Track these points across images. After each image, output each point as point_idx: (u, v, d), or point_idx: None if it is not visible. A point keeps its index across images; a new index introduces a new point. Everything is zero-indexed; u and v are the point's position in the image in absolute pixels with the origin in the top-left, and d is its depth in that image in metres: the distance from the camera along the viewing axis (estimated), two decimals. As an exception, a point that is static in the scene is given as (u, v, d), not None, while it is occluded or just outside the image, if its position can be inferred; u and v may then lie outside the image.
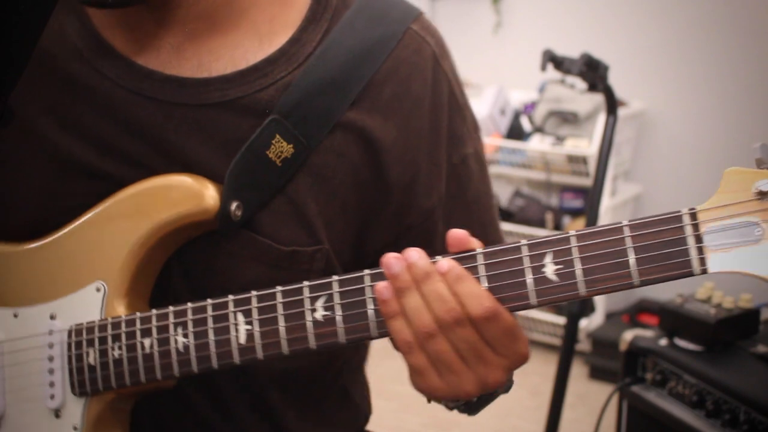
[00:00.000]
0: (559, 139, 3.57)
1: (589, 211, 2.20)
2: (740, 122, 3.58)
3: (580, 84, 2.32)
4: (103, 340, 0.88)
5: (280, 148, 0.88)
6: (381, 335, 0.79)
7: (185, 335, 0.85)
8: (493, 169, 3.85)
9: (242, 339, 0.83)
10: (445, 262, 0.75)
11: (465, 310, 0.74)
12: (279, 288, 0.82)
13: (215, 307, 0.84)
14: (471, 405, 0.88)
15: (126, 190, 0.89)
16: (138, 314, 0.87)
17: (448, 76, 0.96)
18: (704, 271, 0.71)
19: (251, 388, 0.97)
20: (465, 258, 0.77)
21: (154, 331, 0.86)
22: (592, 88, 2.14)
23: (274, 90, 0.90)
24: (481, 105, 3.64)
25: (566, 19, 3.93)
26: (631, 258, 0.72)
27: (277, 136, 0.88)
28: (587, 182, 3.52)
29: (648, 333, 1.90)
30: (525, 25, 4.07)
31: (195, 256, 0.91)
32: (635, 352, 1.87)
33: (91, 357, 0.88)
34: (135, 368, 0.86)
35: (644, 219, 0.72)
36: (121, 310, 0.89)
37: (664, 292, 2.69)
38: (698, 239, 0.70)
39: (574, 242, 0.74)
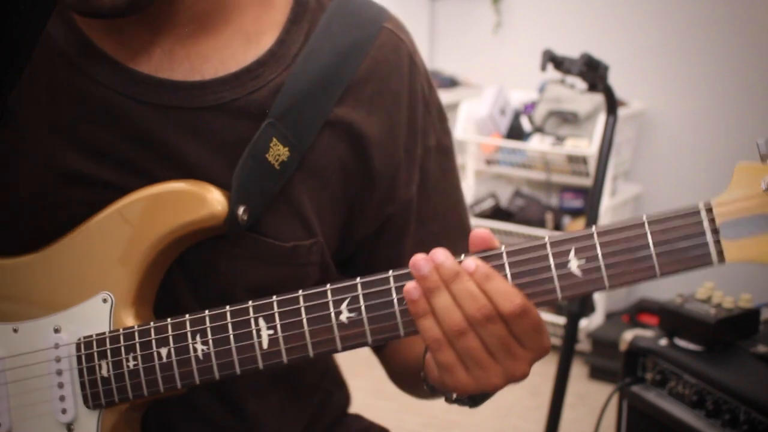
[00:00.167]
0: (559, 139, 3.56)
1: (589, 211, 2.20)
2: (740, 122, 3.58)
3: (580, 84, 2.32)
4: (116, 352, 0.87)
5: (278, 152, 0.90)
6: (408, 334, 0.81)
7: (204, 342, 0.85)
8: (493, 169, 3.85)
9: (265, 344, 0.83)
10: (471, 261, 0.78)
11: (496, 308, 0.77)
12: (301, 292, 0.83)
13: (234, 313, 0.84)
14: (475, 398, 0.89)
15: (129, 197, 0.89)
16: (152, 324, 0.87)
17: (420, 72, 1.01)
18: (722, 261, 0.75)
19: (259, 388, 0.97)
20: (489, 257, 0.79)
21: (171, 339, 0.86)
22: (592, 88, 2.14)
23: (267, 91, 0.91)
24: (481, 105, 3.64)
25: (566, 19, 3.93)
26: (653, 251, 0.76)
27: (274, 139, 0.90)
28: (587, 182, 3.52)
29: (648, 333, 1.90)
30: (525, 25, 4.07)
31: (197, 260, 0.91)
32: (635, 352, 1.86)
33: (104, 369, 0.87)
34: (153, 378, 0.86)
35: (663, 214, 0.76)
36: (129, 320, 0.88)
37: (664, 292, 2.69)
38: (715, 231, 0.75)
39: (596, 238, 0.77)
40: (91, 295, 0.89)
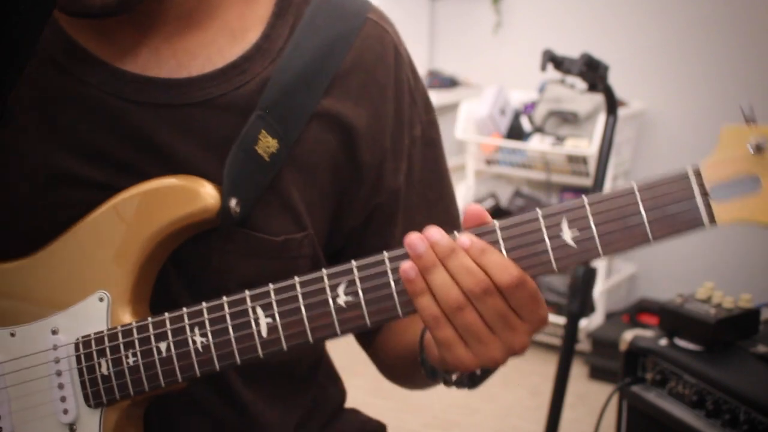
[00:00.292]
0: (559, 139, 3.57)
1: (589, 211, 2.20)
2: (740, 122, 3.57)
3: (580, 84, 2.32)
4: (115, 349, 0.87)
5: (267, 144, 0.90)
6: (406, 314, 0.81)
7: (203, 335, 0.85)
8: (493, 169, 3.86)
9: (264, 332, 0.83)
10: (465, 237, 0.78)
11: (493, 280, 0.77)
12: (297, 278, 0.83)
13: (231, 304, 0.85)
14: (475, 379, 0.89)
15: (122, 195, 0.89)
16: (150, 319, 0.87)
17: (405, 62, 1.01)
18: (713, 223, 0.76)
19: (256, 379, 0.97)
20: (483, 233, 0.79)
21: (170, 333, 0.86)
22: (592, 88, 2.14)
23: (254, 85, 0.92)
24: (481, 105, 3.65)
25: (566, 19, 3.93)
26: (644, 216, 0.77)
27: (263, 131, 0.90)
28: (587, 182, 3.52)
29: (648, 333, 1.90)
30: (525, 25, 4.07)
31: (190, 256, 0.91)
32: (635, 352, 1.86)
33: (104, 367, 0.87)
34: (153, 373, 0.86)
35: (652, 180, 0.77)
36: (126, 317, 0.88)
37: (664, 292, 2.69)
38: (704, 194, 0.76)
39: (587, 207, 0.78)
40: (87, 295, 0.89)
